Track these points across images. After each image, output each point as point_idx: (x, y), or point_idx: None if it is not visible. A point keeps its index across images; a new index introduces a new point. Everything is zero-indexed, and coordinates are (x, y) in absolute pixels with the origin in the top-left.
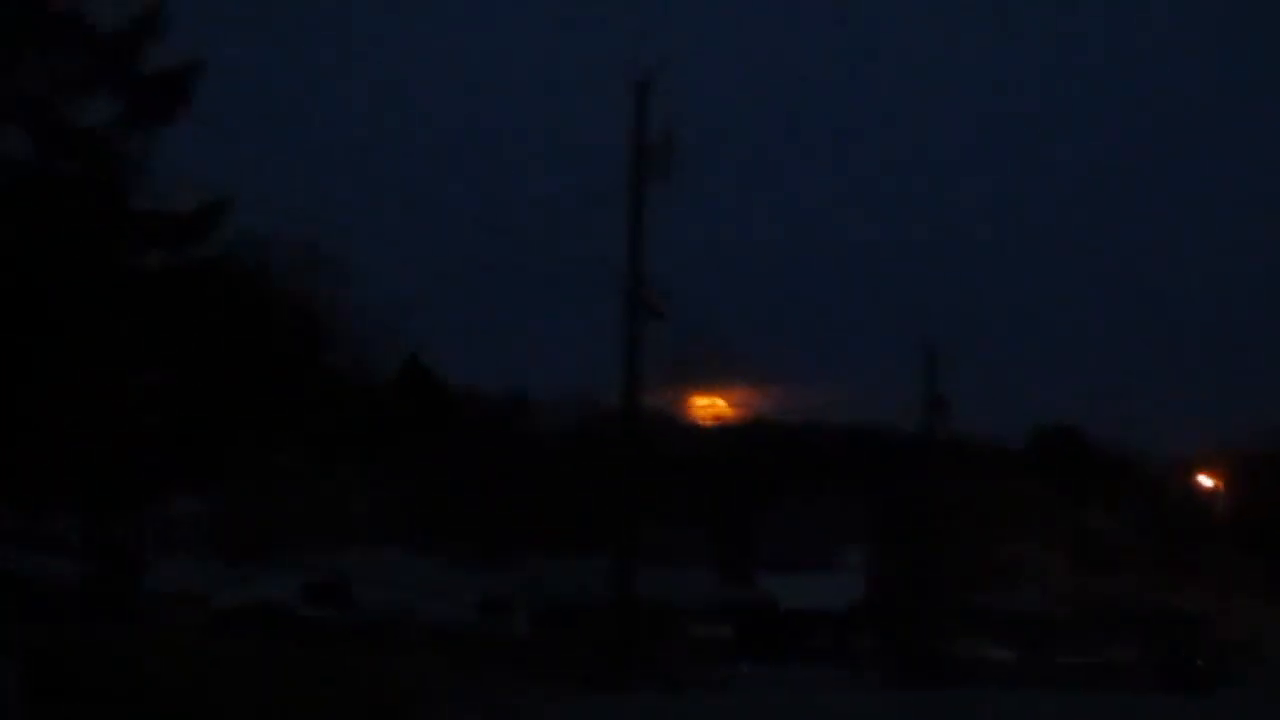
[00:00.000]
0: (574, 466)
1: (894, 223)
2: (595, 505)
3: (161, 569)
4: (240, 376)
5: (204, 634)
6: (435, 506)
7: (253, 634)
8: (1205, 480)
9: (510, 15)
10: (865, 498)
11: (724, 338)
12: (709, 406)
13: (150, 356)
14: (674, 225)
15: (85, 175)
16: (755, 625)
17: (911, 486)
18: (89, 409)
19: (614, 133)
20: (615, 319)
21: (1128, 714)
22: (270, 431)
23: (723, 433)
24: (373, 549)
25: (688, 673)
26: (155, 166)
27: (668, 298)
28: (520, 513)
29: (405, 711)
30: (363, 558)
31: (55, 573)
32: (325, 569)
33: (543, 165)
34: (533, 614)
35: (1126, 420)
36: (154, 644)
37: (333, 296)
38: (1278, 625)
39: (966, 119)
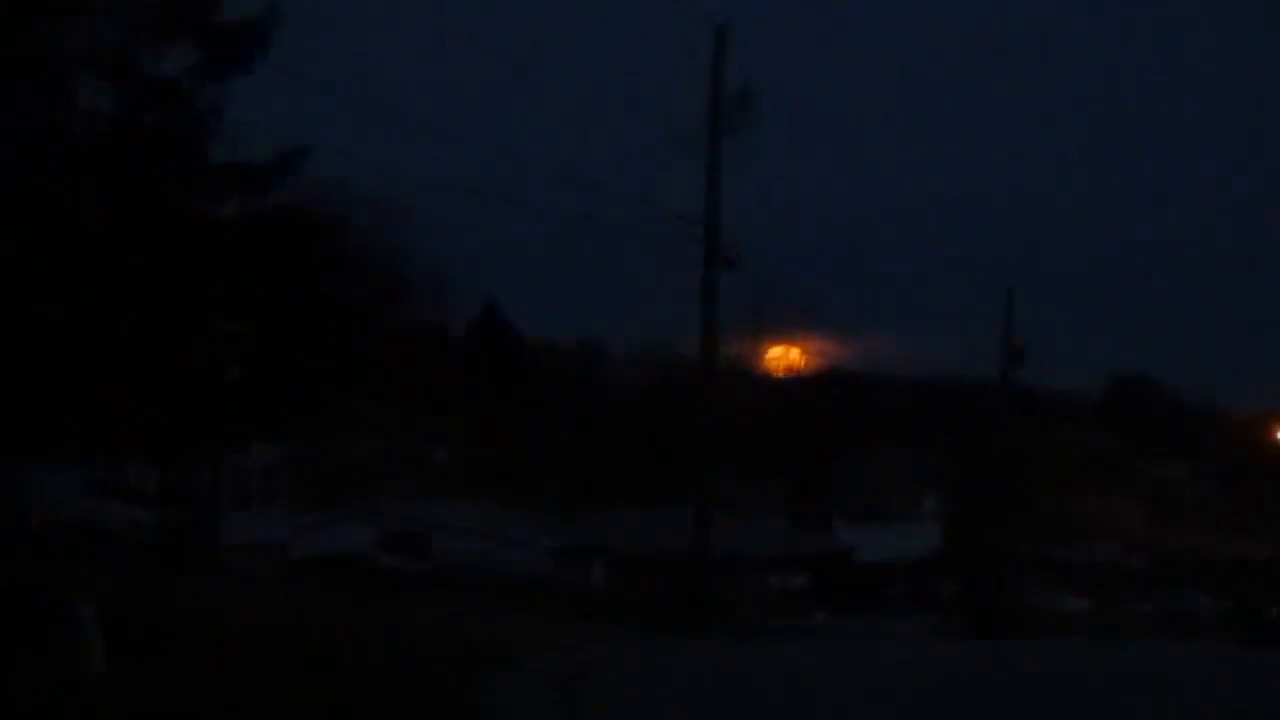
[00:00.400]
0: (651, 417)
1: (971, 175)
2: (672, 456)
3: (239, 519)
4: (318, 326)
5: (281, 582)
6: (513, 457)
7: (331, 582)
8: None
9: None
10: (941, 448)
11: (799, 288)
12: (782, 357)
13: (228, 306)
14: (751, 176)
15: (164, 126)
16: (832, 575)
17: (988, 436)
18: (167, 358)
19: (694, 83)
20: (693, 270)
21: (1201, 665)
22: (348, 381)
23: (798, 383)
24: (451, 499)
25: (765, 622)
26: (233, 116)
27: (743, 248)
28: (597, 464)
29: (489, 657)
30: (441, 508)
31: (135, 522)
32: (403, 518)
33: (621, 114)
34: (609, 564)
35: (1204, 373)
36: (231, 591)
37: (411, 247)
38: None
39: (1044, 77)
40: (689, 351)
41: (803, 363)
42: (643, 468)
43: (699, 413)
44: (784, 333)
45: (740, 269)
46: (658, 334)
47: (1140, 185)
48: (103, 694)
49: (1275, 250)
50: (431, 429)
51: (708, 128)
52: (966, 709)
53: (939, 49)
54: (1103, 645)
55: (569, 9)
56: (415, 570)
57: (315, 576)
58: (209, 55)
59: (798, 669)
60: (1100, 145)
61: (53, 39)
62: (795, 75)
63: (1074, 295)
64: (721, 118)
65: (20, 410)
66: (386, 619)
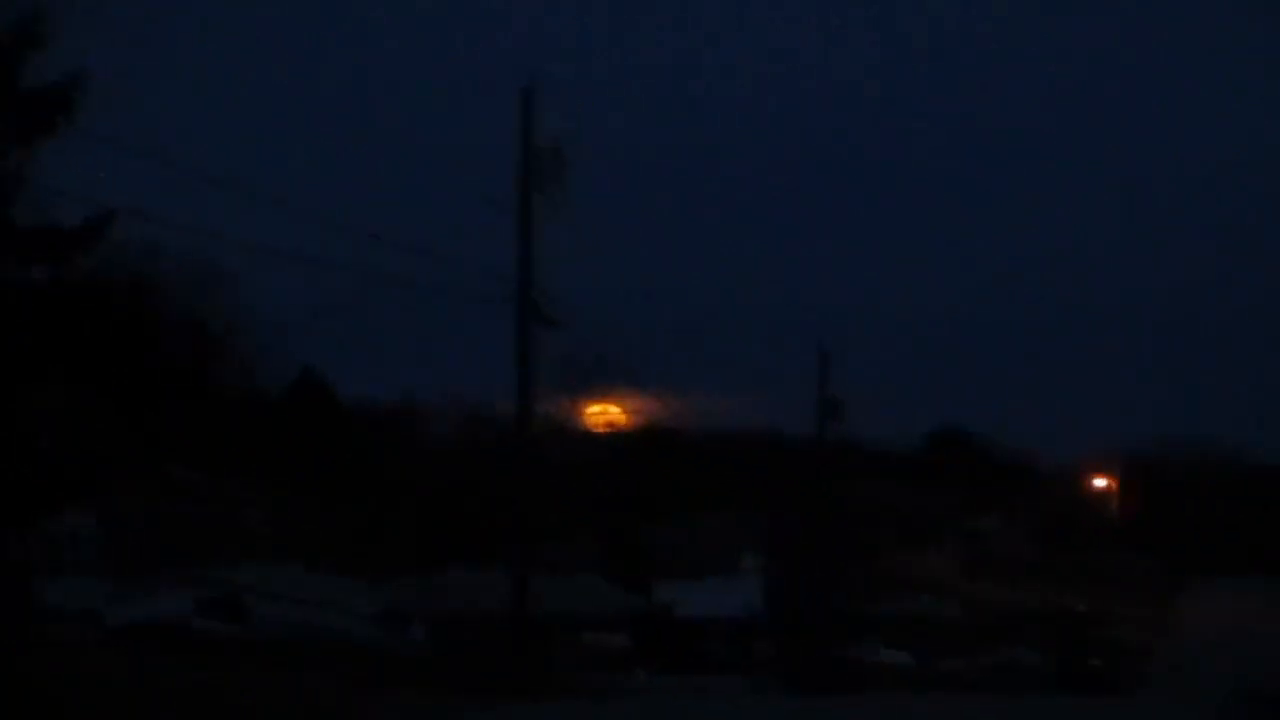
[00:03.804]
0: (468, 476)
1: (788, 232)
2: (490, 515)
3: (53, 586)
4: (130, 390)
5: (98, 651)
6: (330, 520)
7: (148, 651)
8: (1099, 482)
9: (400, 22)
10: (761, 504)
11: (616, 346)
12: (601, 414)
13: (38, 372)
14: (567, 234)
15: None
16: (652, 634)
17: (806, 492)
18: None
19: (506, 139)
20: (508, 328)
21: (1024, 715)
22: (162, 445)
23: (617, 440)
24: (268, 564)
25: (585, 681)
26: (37, 179)
27: (559, 305)
28: (415, 524)
29: None
30: (258, 572)
31: None
32: (220, 584)
33: (432, 171)
34: (430, 626)
35: (1018, 426)
36: (46, 662)
37: (223, 309)
38: (1174, 627)
39: (861, 128)
40: (506, 409)
41: (623, 420)
42: (462, 527)
43: (515, 471)
44: (603, 390)
45: (559, 328)
46: (476, 394)
47: (954, 242)
48: None
49: (1086, 303)
50: (249, 493)
51: (517, 186)
52: None
53: (763, 106)
54: (923, 699)
55: (390, 67)
56: (233, 636)
57: (132, 644)
58: (13, 121)
59: None
60: (912, 198)
61: None
62: (619, 130)
63: (891, 350)
64: (531, 176)
65: None
66: (198, 686)
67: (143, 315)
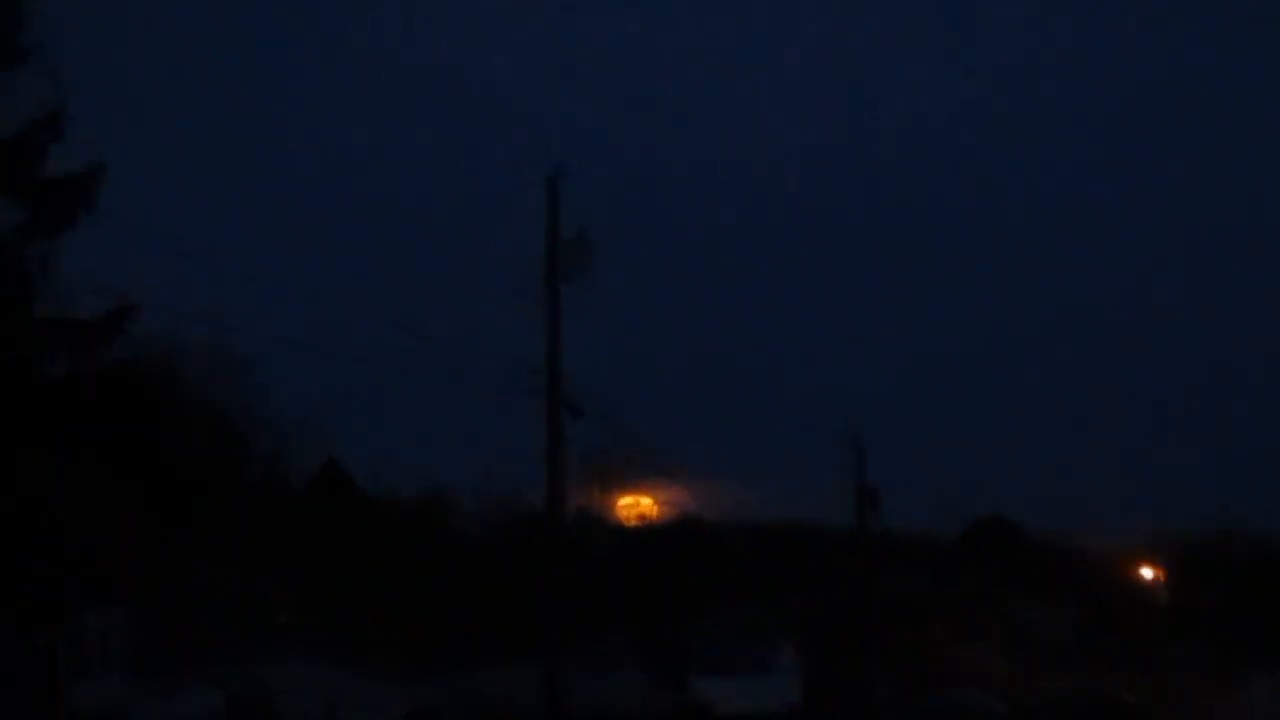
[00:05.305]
0: (499, 570)
1: (818, 323)
2: (522, 609)
3: (82, 686)
4: (156, 483)
5: None
6: (358, 615)
7: None
8: (1146, 571)
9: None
10: (799, 596)
11: (647, 436)
12: (633, 506)
13: (60, 467)
14: (595, 323)
15: None
16: None
17: (845, 583)
18: None
19: (531, 229)
20: (538, 420)
21: None
22: (186, 540)
23: (649, 532)
24: (295, 661)
25: None
26: (59, 270)
27: (588, 396)
28: (446, 620)
29: None
30: (287, 670)
31: None
32: (250, 683)
33: (459, 263)
34: None
35: (1062, 513)
36: None
37: (246, 402)
38: (1223, 715)
39: (892, 208)
40: (537, 502)
41: (654, 511)
42: (495, 623)
43: (547, 564)
44: (635, 482)
45: (587, 418)
46: (504, 486)
47: (989, 320)
48: None
49: (1124, 388)
50: (274, 588)
51: (544, 275)
52: None
53: (789, 192)
54: None
55: (407, 160)
56: None
57: None
58: (33, 211)
59: None
60: (944, 278)
61: None
62: (643, 218)
63: (926, 440)
64: (558, 264)
65: None
66: None
67: (167, 407)
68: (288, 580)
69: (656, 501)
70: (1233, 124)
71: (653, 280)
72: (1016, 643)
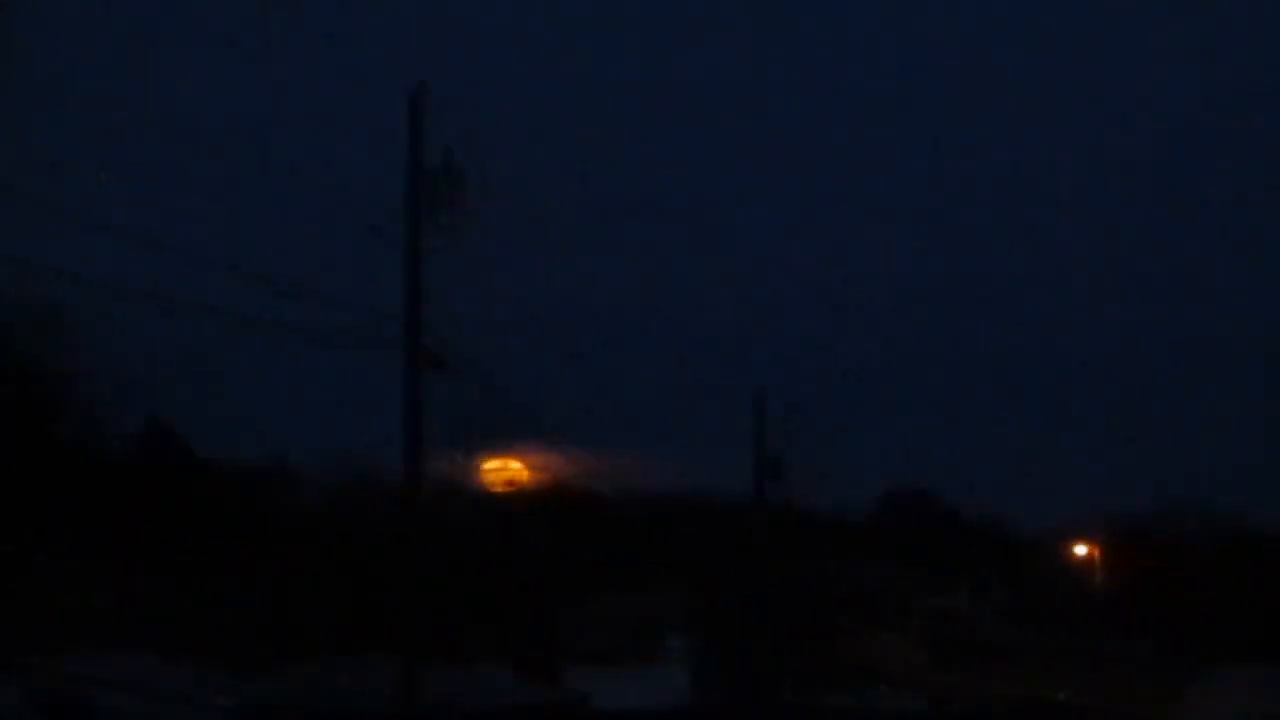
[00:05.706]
0: (349, 549)
1: (727, 278)
2: (375, 595)
3: None
4: None
5: None
6: (185, 600)
7: None
8: (1080, 549)
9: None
10: (689, 578)
11: (521, 394)
12: (501, 470)
13: None
14: (466, 270)
15: None
16: None
17: (743, 565)
18: None
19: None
20: (395, 377)
21: None
22: None
23: (519, 501)
24: (113, 651)
25: None
26: None
27: (454, 349)
28: (287, 604)
29: None
30: (102, 662)
31: None
32: (57, 675)
33: (305, 195)
34: None
35: (988, 489)
36: None
37: (61, 359)
38: (1164, 715)
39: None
40: (392, 471)
41: (525, 477)
42: (342, 608)
43: (403, 541)
44: (504, 445)
45: (447, 369)
46: (355, 452)
47: (924, 295)
48: None
49: (1059, 358)
50: (90, 568)
51: (404, 207)
52: None
53: (695, 141)
54: None
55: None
56: None
57: None
58: None
59: None
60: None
61: None
62: (538, 165)
63: (841, 407)
64: (420, 197)
65: None
66: None
67: None
68: (103, 558)
69: (528, 466)
70: None
71: (532, 224)
72: (938, 634)
